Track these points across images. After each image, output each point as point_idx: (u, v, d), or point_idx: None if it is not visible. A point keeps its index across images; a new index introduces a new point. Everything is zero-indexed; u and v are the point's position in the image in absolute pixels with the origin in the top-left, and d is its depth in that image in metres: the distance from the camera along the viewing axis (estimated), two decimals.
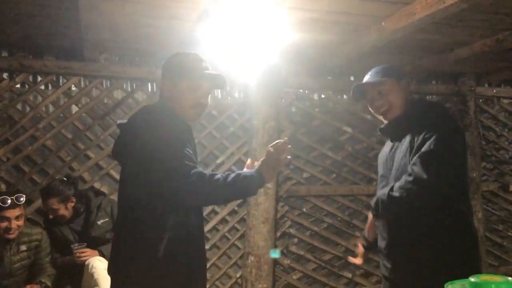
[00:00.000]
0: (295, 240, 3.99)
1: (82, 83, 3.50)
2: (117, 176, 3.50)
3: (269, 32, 2.69)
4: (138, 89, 3.61)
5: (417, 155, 1.72)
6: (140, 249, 1.61)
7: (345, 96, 4.25)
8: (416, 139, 1.79)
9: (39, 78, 3.40)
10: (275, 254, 3.73)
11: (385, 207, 1.80)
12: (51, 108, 3.42)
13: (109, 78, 3.55)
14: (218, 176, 1.56)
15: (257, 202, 3.63)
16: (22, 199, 2.64)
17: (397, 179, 1.81)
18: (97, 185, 3.40)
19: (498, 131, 4.67)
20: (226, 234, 3.77)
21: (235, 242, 3.79)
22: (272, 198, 3.68)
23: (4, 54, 3.33)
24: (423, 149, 1.72)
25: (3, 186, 3.19)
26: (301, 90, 4.08)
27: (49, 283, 2.68)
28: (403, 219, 1.83)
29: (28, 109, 3.36)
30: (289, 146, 1.75)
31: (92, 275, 2.60)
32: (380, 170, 2.04)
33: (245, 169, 1.79)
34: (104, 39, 3.04)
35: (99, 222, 2.86)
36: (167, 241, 1.59)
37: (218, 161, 3.75)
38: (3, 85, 3.27)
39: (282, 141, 1.74)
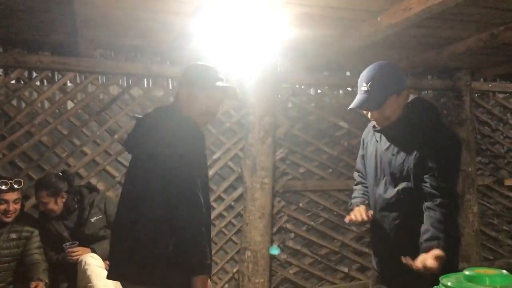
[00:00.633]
0: (292, 235, 4.00)
1: (78, 78, 3.49)
2: (114, 172, 3.49)
3: (265, 28, 2.69)
4: (134, 84, 3.60)
5: (442, 183, 1.79)
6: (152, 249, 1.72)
7: (341, 91, 4.25)
8: (417, 149, 1.84)
9: (35, 74, 3.39)
10: (275, 250, 3.75)
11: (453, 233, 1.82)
12: (46, 104, 3.41)
13: (104, 74, 3.54)
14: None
15: (254, 198, 3.64)
16: (20, 183, 2.74)
17: (391, 182, 1.91)
18: (93, 181, 3.40)
19: (493, 125, 4.70)
20: (223, 229, 3.78)
21: (231, 237, 3.80)
22: (269, 193, 3.69)
23: None
24: (438, 168, 1.79)
25: None
26: (297, 86, 4.08)
27: (47, 280, 2.69)
28: (399, 221, 1.92)
29: (23, 105, 3.35)
30: None
31: (85, 272, 2.60)
32: (370, 164, 2.04)
33: None
34: (99, 34, 3.03)
35: (92, 220, 2.85)
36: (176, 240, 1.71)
37: (215, 156, 3.76)
38: None
39: None
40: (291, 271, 3.95)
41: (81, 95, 3.49)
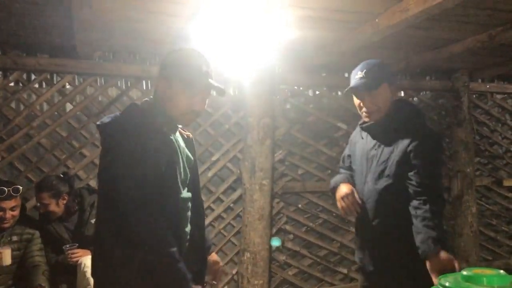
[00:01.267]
0: (291, 236, 4.00)
1: (76, 81, 3.49)
2: None
3: (263, 29, 2.70)
4: (132, 86, 3.61)
5: (425, 181, 1.84)
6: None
7: (339, 93, 4.26)
8: (405, 148, 1.90)
9: (33, 76, 3.39)
10: (276, 242, 3.75)
11: (441, 237, 1.80)
12: (45, 106, 3.41)
13: (103, 76, 3.55)
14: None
15: (253, 199, 3.64)
16: (18, 190, 2.70)
17: (375, 180, 1.97)
18: (92, 183, 3.40)
19: (491, 126, 4.71)
20: (222, 231, 3.78)
21: (231, 239, 3.81)
22: (268, 195, 3.70)
23: None
24: (429, 175, 1.86)
25: None
26: (295, 87, 4.09)
27: (47, 285, 2.68)
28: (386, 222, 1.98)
29: (22, 107, 3.35)
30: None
31: (84, 274, 2.60)
32: (358, 166, 2.11)
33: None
34: (97, 36, 3.03)
35: (92, 221, 2.85)
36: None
37: (213, 158, 3.76)
38: None
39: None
40: (290, 273, 3.95)
41: (79, 97, 3.49)
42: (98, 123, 1.60)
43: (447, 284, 1.07)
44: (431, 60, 3.74)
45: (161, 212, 1.47)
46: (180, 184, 1.60)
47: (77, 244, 2.77)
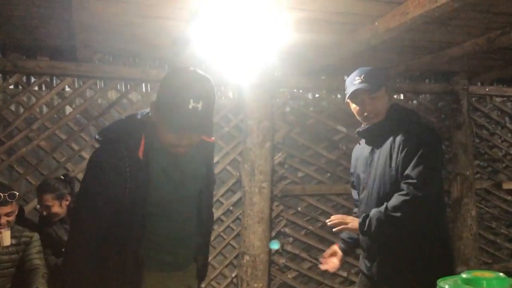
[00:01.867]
0: (290, 239, 4.00)
1: (76, 83, 3.49)
2: None
3: (262, 32, 2.70)
4: (132, 89, 3.61)
5: (411, 173, 1.82)
6: None
7: (339, 96, 4.26)
8: (397, 147, 1.89)
9: (33, 79, 3.39)
10: (274, 245, 3.75)
11: (381, 226, 1.84)
12: (45, 109, 3.41)
13: (103, 79, 3.55)
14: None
15: (252, 202, 3.64)
16: (14, 196, 2.64)
17: (377, 185, 1.95)
18: None
19: (491, 129, 4.71)
20: (222, 234, 3.78)
21: (230, 242, 3.80)
22: (267, 198, 3.69)
23: None
24: (416, 168, 1.81)
25: None
26: (295, 90, 4.09)
27: None
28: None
29: (21, 110, 3.35)
30: None
31: None
32: (360, 173, 2.10)
33: None
34: (97, 39, 3.04)
35: None
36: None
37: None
38: None
39: None
40: (290, 276, 3.95)
41: (79, 100, 3.49)
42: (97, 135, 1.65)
43: (446, 287, 1.07)
44: (430, 63, 3.74)
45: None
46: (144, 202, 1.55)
47: None
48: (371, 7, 2.56)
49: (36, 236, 2.79)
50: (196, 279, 1.82)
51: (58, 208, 2.82)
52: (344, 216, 2.03)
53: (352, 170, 2.24)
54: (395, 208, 1.80)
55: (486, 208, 4.63)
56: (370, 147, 2.05)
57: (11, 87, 3.33)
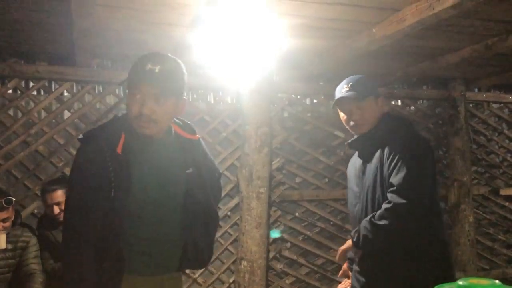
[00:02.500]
0: (288, 244, 3.99)
1: (75, 88, 3.49)
2: None
3: (261, 38, 2.71)
4: None
5: (392, 180, 1.80)
6: None
7: None
8: (385, 158, 1.86)
9: (31, 84, 3.40)
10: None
11: (369, 236, 1.83)
12: (43, 114, 3.42)
13: (101, 84, 3.55)
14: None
15: (250, 207, 3.64)
16: (11, 202, 2.62)
17: (369, 198, 1.91)
18: None
19: (488, 135, 4.73)
20: (219, 239, 3.77)
21: (228, 247, 3.79)
22: (265, 203, 3.69)
23: None
24: (398, 174, 1.78)
25: None
26: (293, 95, 4.11)
27: None
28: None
29: (20, 114, 3.35)
30: None
31: None
32: (353, 186, 2.06)
33: None
34: (96, 44, 3.04)
35: None
36: None
37: None
38: None
39: None
40: (287, 281, 3.94)
41: (77, 104, 3.49)
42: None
43: None
44: (427, 70, 3.76)
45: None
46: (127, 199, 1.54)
47: None
48: (368, 14, 2.57)
49: (33, 240, 2.77)
50: None
51: None
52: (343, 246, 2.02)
53: (347, 183, 2.21)
54: (380, 217, 1.78)
55: (484, 214, 4.63)
56: (361, 160, 2.02)
57: (10, 91, 3.33)
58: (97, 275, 1.49)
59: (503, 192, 4.63)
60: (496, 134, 4.78)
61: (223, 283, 3.77)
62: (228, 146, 3.84)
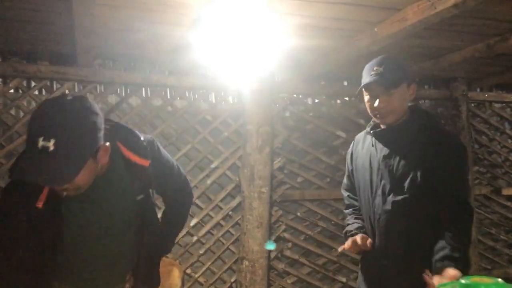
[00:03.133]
0: (290, 244, 3.99)
1: (76, 88, 3.50)
2: None
3: (262, 38, 2.71)
4: (132, 94, 3.62)
5: (450, 187, 1.72)
6: None
7: (338, 101, 4.27)
8: (423, 157, 1.73)
9: (33, 83, 3.40)
10: (270, 246, 3.74)
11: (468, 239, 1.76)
12: None
13: (103, 83, 3.55)
14: None
15: (252, 207, 3.64)
16: None
17: (388, 194, 1.78)
18: None
19: (490, 135, 4.72)
20: (221, 238, 3.77)
21: (229, 247, 3.79)
22: (266, 203, 3.69)
23: None
24: (452, 178, 1.72)
25: None
26: (294, 95, 4.10)
27: None
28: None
29: (22, 114, 3.35)
30: None
31: None
32: (366, 175, 1.89)
33: None
34: (98, 44, 3.05)
35: None
36: None
37: (213, 165, 3.76)
38: None
39: None
40: (289, 281, 3.94)
41: None
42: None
43: None
44: (430, 69, 3.76)
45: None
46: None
47: None
48: (370, 13, 2.57)
49: None
50: None
51: None
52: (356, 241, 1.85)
53: (350, 167, 2.06)
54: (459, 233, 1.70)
55: (486, 214, 4.63)
56: (384, 149, 1.82)
57: (11, 91, 3.33)
58: None
59: (505, 192, 4.62)
60: (498, 134, 4.78)
61: (224, 282, 3.77)
62: (230, 145, 3.84)
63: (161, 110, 3.64)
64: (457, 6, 2.22)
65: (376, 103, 1.76)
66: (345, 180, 2.17)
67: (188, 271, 3.64)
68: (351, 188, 2.10)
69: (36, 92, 3.41)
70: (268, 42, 2.82)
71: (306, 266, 4.01)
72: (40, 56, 3.38)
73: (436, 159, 1.72)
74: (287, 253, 3.95)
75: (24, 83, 3.36)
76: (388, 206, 1.78)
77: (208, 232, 3.73)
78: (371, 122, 1.94)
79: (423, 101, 4.55)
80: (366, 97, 1.82)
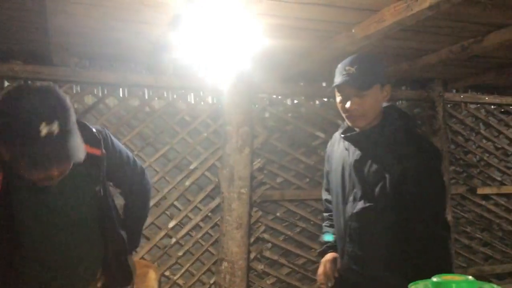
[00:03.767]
0: (269, 245, 4.00)
1: None
2: None
3: (240, 38, 2.71)
4: (109, 94, 3.57)
5: (425, 200, 1.62)
6: None
7: (317, 102, 4.30)
8: (397, 162, 1.65)
9: (6, 83, 3.32)
10: None
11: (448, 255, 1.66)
12: None
13: (79, 83, 3.50)
14: None
15: (231, 208, 3.63)
16: None
17: (366, 194, 1.71)
18: None
19: (466, 135, 4.81)
20: (200, 240, 3.75)
21: (208, 248, 3.78)
22: (246, 203, 3.69)
23: None
24: (427, 189, 1.63)
25: None
26: (274, 96, 4.11)
27: None
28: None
29: None
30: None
31: None
32: (338, 179, 1.83)
33: None
34: (73, 43, 2.99)
35: None
36: None
37: (192, 166, 3.74)
38: None
39: None
40: (268, 282, 3.94)
41: None
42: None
43: None
44: (406, 70, 3.81)
45: None
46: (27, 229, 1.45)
47: None
48: (346, 14, 2.59)
49: None
50: None
51: None
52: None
53: (327, 168, 2.02)
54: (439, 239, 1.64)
55: (461, 213, 4.71)
56: (356, 153, 1.76)
57: None
58: None
59: (480, 191, 4.71)
60: (473, 134, 4.87)
61: (203, 284, 3.75)
62: (209, 146, 3.82)
63: (139, 110, 3.60)
64: (432, 8, 2.25)
65: (348, 104, 1.69)
66: (324, 181, 2.16)
67: (167, 273, 3.61)
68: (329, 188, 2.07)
69: None
70: (245, 43, 2.82)
71: (285, 267, 4.02)
72: (14, 55, 3.30)
73: (410, 166, 1.63)
74: (267, 253, 3.95)
75: None
76: (359, 212, 1.72)
77: (187, 233, 3.71)
78: (344, 124, 1.88)
79: (400, 102, 4.61)
80: (338, 98, 1.76)
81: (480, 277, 3.95)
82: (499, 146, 4.91)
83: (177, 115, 3.73)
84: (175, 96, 3.82)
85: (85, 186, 1.52)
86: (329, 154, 2.00)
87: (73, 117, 1.25)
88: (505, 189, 4.83)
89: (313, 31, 2.86)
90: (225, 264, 3.63)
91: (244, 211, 3.67)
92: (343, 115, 1.77)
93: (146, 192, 1.89)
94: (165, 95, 3.79)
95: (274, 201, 4.02)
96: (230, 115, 3.66)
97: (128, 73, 3.54)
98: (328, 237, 2.01)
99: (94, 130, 1.57)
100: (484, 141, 4.92)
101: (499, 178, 4.86)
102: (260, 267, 3.89)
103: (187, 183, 3.70)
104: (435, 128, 4.47)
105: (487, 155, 4.86)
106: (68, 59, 3.34)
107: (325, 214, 2.14)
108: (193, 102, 3.90)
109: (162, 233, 3.61)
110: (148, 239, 3.56)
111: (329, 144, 2.06)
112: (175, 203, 3.68)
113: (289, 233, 4.04)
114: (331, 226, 2.03)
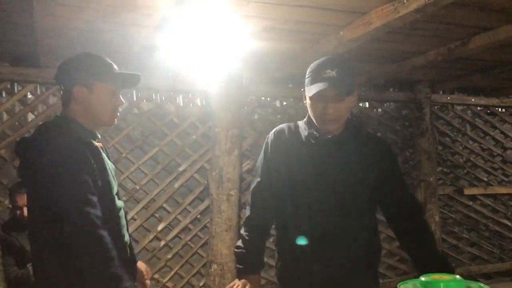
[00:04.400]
0: None
1: (39, 90, 3.41)
2: None
3: (228, 40, 2.71)
4: None
5: (405, 192, 1.81)
6: None
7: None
8: (374, 164, 1.71)
9: None
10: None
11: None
12: (5, 116, 3.31)
13: None
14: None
15: (220, 210, 3.62)
16: None
17: (339, 197, 1.69)
18: None
19: (453, 136, 4.86)
20: (189, 242, 3.74)
21: (198, 251, 3.76)
22: (235, 205, 3.68)
23: None
24: (403, 182, 1.82)
25: None
26: (263, 98, 4.12)
27: None
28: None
29: None
30: None
31: None
32: (301, 174, 1.73)
33: None
34: (60, 45, 2.96)
35: None
36: None
37: (180, 168, 3.72)
38: None
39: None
40: None
41: (42, 107, 3.40)
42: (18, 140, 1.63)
43: None
44: (394, 72, 3.84)
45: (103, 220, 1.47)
46: (113, 192, 1.61)
47: None
48: (335, 17, 2.60)
49: None
50: None
51: None
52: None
53: (267, 164, 1.89)
54: (426, 229, 1.80)
55: (449, 213, 4.76)
56: (325, 155, 1.71)
57: None
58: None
59: (467, 191, 4.76)
60: (460, 135, 4.92)
61: (193, 286, 3.74)
62: (198, 148, 3.81)
63: (127, 112, 3.57)
64: (419, 10, 2.28)
65: (330, 109, 1.63)
66: (262, 178, 1.92)
67: (156, 276, 3.58)
68: (267, 189, 1.90)
69: None
70: (234, 45, 2.82)
71: (274, 268, 4.00)
72: (1, 57, 3.27)
73: (386, 163, 1.77)
74: None
75: None
76: (331, 219, 1.70)
77: (176, 236, 3.69)
78: (305, 128, 1.80)
79: (388, 104, 4.64)
80: (313, 101, 1.66)
81: (468, 276, 3.99)
82: (485, 147, 4.97)
83: (165, 117, 3.71)
84: (163, 98, 3.81)
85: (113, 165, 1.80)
86: (279, 148, 1.85)
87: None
88: (491, 190, 4.88)
89: (301, 33, 2.87)
90: (214, 266, 3.62)
91: (233, 213, 3.67)
92: (315, 118, 1.70)
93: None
94: (154, 97, 3.77)
95: None
96: (219, 117, 3.66)
97: None
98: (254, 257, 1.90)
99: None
100: (471, 142, 4.97)
101: (485, 179, 4.92)
102: None
103: (176, 185, 3.68)
104: (423, 129, 4.51)
105: (474, 156, 4.92)
106: (55, 61, 3.30)
107: (251, 229, 1.95)
108: (181, 104, 3.89)
109: (151, 236, 3.59)
110: (137, 241, 3.54)
111: (271, 137, 1.90)
112: (164, 205, 3.67)
113: None
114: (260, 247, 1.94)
